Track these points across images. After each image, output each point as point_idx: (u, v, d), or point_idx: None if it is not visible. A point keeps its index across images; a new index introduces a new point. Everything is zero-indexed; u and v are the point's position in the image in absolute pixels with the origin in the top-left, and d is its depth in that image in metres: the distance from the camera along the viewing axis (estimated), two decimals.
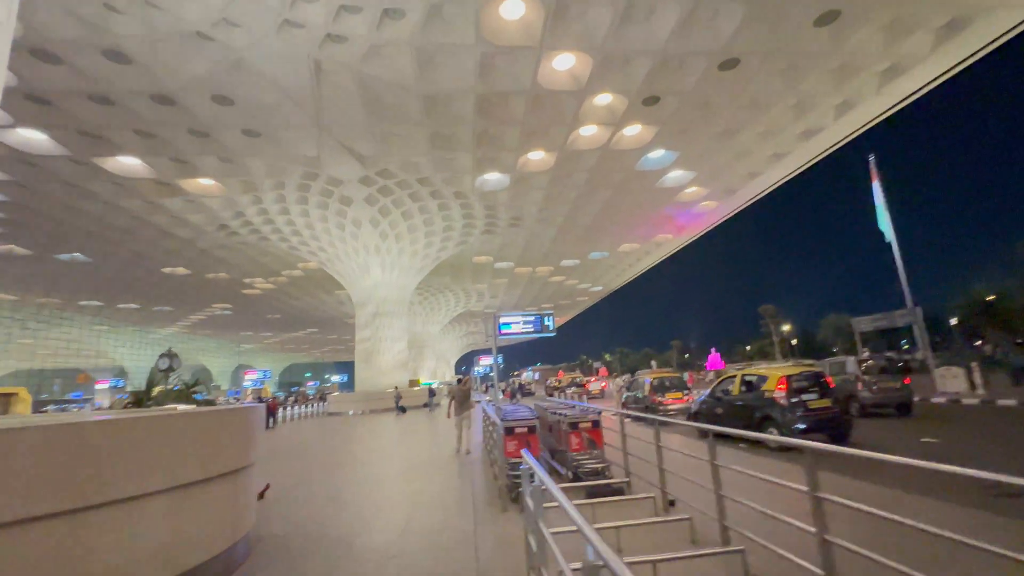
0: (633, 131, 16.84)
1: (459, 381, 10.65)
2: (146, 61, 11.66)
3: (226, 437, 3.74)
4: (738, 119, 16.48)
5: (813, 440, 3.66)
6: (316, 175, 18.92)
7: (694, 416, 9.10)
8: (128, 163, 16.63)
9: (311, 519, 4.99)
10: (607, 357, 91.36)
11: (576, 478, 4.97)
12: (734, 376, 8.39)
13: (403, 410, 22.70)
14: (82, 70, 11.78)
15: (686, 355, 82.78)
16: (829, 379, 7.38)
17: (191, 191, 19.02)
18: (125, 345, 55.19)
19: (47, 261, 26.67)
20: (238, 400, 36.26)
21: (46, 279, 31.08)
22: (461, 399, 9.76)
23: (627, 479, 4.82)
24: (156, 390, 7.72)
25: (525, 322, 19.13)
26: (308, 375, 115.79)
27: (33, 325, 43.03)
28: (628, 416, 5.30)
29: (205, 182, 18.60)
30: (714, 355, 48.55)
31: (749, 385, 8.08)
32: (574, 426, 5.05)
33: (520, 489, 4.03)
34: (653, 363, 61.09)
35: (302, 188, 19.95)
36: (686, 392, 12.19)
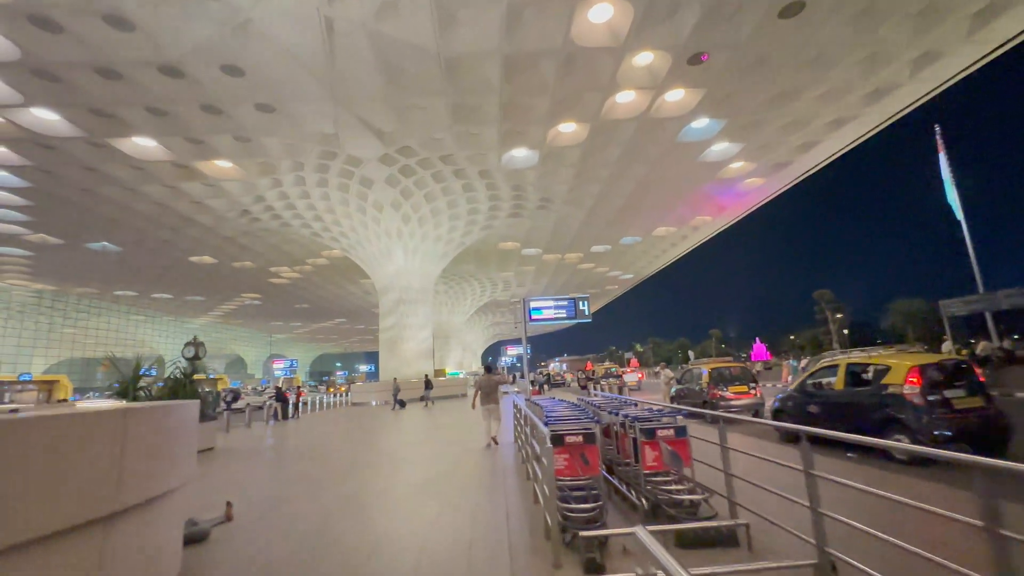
0: (675, 96, 15.18)
1: (488, 370, 9.56)
2: (149, 27, 10.83)
3: (79, 462, 2.33)
4: (797, 78, 14.57)
5: (956, 450, 2.31)
6: (334, 154, 18.00)
7: (775, 415, 7.60)
8: (144, 144, 16.10)
9: (279, 568, 3.59)
10: (638, 348, 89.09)
11: (655, 509, 3.51)
12: (834, 365, 6.75)
13: (402, 404, 20.76)
14: (84, 39, 11.05)
15: (723, 345, 79.79)
16: (978, 370, 5.68)
17: (209, 174, 18.44)
18: (162, 334, 56.86)
19: (78, 250, 27.00)
20: (265, 389, 36.34)
21: (80, 269, 31.70)
22: (488, 390, 8.98)
23: (743, 521, 3.20)
24: (143, 381, 6.79)
25: (557, 307, 17.85)
26: (338, 365, 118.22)
27: (74, 315, 44.60)
28: (748, 419, 3.81)
29: (222, 164, 17.98)
30: (759, 345, 45.98)
31: (857, 377, 6.41)
32: (650, 434, 3.55)
33: (581, 533, 2.81)
34: (691, 353, 58.74)
35: (321, 169, 19.10)
36: (753, 385, 10.50)
